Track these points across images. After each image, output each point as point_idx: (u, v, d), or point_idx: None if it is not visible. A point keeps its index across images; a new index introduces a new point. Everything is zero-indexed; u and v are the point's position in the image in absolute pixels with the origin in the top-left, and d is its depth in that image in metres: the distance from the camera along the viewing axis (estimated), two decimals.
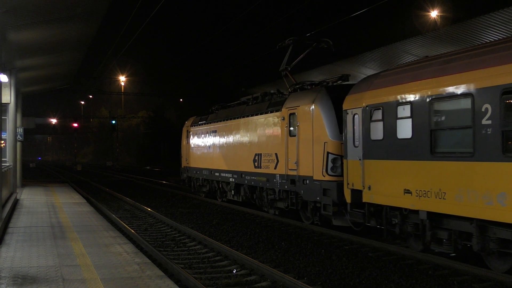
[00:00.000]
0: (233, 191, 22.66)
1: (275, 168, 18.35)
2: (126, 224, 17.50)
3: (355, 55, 39.62)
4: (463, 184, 10.33)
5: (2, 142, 23.59)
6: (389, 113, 12.53)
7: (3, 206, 17.65)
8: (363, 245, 13.62)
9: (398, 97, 12.25)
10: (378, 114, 12.98)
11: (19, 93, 30.60)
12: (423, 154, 11.37)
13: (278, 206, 18.74)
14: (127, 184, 40.87)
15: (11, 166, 24.61)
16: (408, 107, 11.92)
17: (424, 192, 11.30)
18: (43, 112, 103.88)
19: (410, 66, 12.94)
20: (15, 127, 27.55)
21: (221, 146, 23.88)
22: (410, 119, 11.84)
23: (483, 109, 9.87)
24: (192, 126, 28.59)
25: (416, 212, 11.66)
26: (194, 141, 28.05)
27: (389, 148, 12.54)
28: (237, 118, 22.12)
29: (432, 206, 11.08)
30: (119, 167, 79.96)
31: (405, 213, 12.14)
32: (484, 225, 10.14)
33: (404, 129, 12.05)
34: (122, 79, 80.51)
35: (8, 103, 24.23)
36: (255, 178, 19.98)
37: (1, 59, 16.62)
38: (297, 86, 18.64)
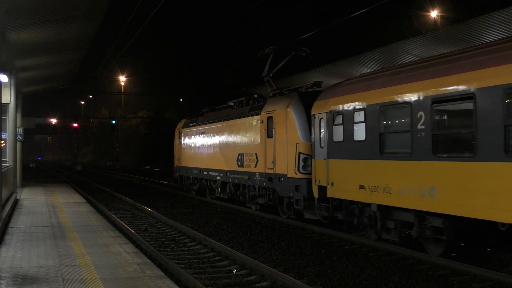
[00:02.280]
0: (219, 188, 24.36)
1: (255, 167, 19.96)
2: (126, 224, 17.50)
3: (355, 55, 39.62)
4: (404, 180, 11.95)
5: (2, 142, 23.59)
6: (348, 118, 14.19)
7: (3, 206, 17.65)
8: (363, 245, 13.62)
9: (355, 104, 13.88)
10: (339, 119, 14.59)
11: (19, 93, 30.60)
12: (374, 154, 12.98)
13: (258, 202, 20.37)
14: (127, 184, 40.87)
15: (11, 166, 24.62)
16: (362, 113, 13.56)
17: (375, 187, 12.88)
18: (43, 112, 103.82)
19: (366, 76, 14.62)
20: (15, 127, 27.56)
21: (209, 147, 25.51)
22: (364, 124, 13.45)
23: (418, 116, 11.46)
24: (183, 127, 30.27)
25: (369, 205, 13.24)
26: (185, 141, 29.68)
27: (348, 149, 14.18)
28: (223, 120, 23.74)
29: (381, 200, 12.67)
30: (119, 167, 79.94)
31: (361, 206, 13.76)
32: (421, 215, 11.71)
33: (359, 132, 13.67)
34: (122, 79, 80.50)
35: (8, 103, 24.22)
36: (239, 176, 21.60)
37: (1, 59, 16.61)
38: (276, 92, 20.07)
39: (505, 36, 23.60)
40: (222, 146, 23.82)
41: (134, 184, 41.46)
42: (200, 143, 26.91)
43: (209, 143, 25.58)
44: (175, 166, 32.01)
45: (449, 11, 32.05)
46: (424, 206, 11.34)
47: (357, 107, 13.72)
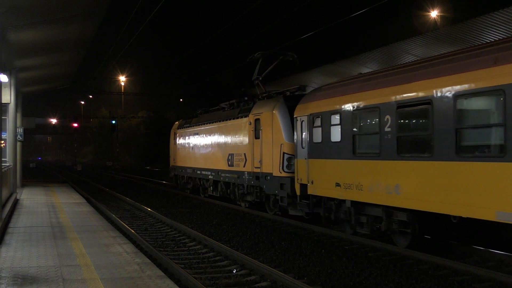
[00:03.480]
0: (211, 187, 25.57)
1: (244, 166, 21.09)
2: (126, 224, 17.50)
3: (355, 55, 39.62)
4: (373, 178, 13.00)
5: (2, 142, 23.58)
6: (326, 120, 15.23)
7: (3, 206, 17.64)
8: (363, 245, 13.62)
9: (332, 107, 14.91)
10: (318, 121, 15.60)
11: (19, 93, 30.59)
12: (348, 154, 14.07)
13: (247, 200, 21.49)
14: (127, 184, 40.88)
15: (11, 166, 24.61)
16: (338, 116, 14.60)
17: (349, 185, 13.95)
18: (43, 112, 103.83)
19: (342, 82, 15.75)
20: (15, 127, 27.54)
21: (202, 147, 26.71)
22: (340, 126, 14.49)
23: (385, 119, 12.52)
24: (178, 128, 31.54)
25: (344, 201, 14.33)
26: (180, 142, 30.93)
27: (326, 149, 15.25)
28: (215, 122, 24.89)
29: (354, 196, 13.73)
30: (119, 167, 79.93)
31: (337, 203, 14.84)
32: (389, 210, 12.72)
33: (336, 134, 14.71)
34: (122, 79, 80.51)
35: (8, 103, 24.21)
36: (229, 175, 22.75)
37: (1, 59, 16.61)
38: (264, 95, 21.22)
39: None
40: (214, 146, 24.90)
41: (134, 184, 41.47)
42: (194, 143, 28.12)
43: (202, 144, 26.74)
44: (170, 166, 33.31)
45: (449, 11, 32.07)
46: (390, 202, 12.38)
47: (334, 110, 14.78)
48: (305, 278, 10.40)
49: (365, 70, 38.68)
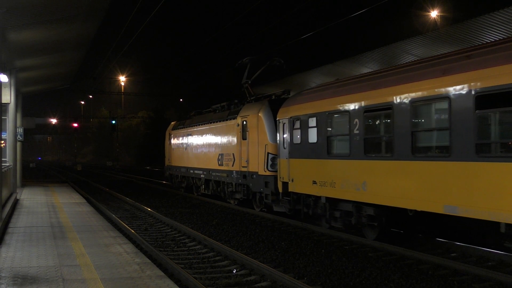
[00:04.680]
0: (203, 185, 26.80)
1: (232, 165, 22.29)
2: (126, 224, 17.50)
3: (355, 55, 39.62)
4: (344, 176, 14.18)
5: (2, 142, 23.58)
6: (304, 123, 16.34)
7: (3, 206, 17.65)
8: (363, 245, 13.63)
9: (310, 111, 16.04)
10: (298, 124, 16.75)
11: (19, 93, 30.59)
12: (323, 154, 15.25)
13: (236, 197, 22.64)
14: (127, 184, 40.88)
15: (11, 166, 24.61)
16: (314, 119, 15.74)
17: (324, 182, 15.10)
18: (43, 112, 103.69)
19: (320, 87, 17.05)
20: (15, 127, 27.54)
21: (195, 147, 28.03)
22: (316, 128, 15.63)
23: (354, 123, 13.70)
24: (173, 129, 32.90)
25: (320, 198, 15.47)
26: (174, 142, 32.28)
27: (304, 150, 16.37)
28: (207, 123, 26.20)
29: (329, 193, 14.90)
30: (119, 167, 79.92)
31: (314, 199, 15.98)
32: (358, 206, 13.87)
33: (312, 136, 15.84)
34: (122, 79, 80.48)
35: (8, 103, 24.20)
36: (219, 174, 23.97)
37: (1, 59, 16.61)
38: (252, 98, 22.54)
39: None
40: (205, 146, 26.19)
41: (134, 184, 41.47)
42: (187, 144, 29.45)
43: (194, 144, 28.08)
44: (166, 165, 34.79)
45: (449, 11, 32.07)
46: (359, 198, 13.58)
47: (311, 114, 15.96)
48: (305, 278, 10.41)
49: (365, 70, 38.70)
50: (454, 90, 10.58)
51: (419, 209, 11.71)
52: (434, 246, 13.30)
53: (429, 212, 11.54)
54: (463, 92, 10.38)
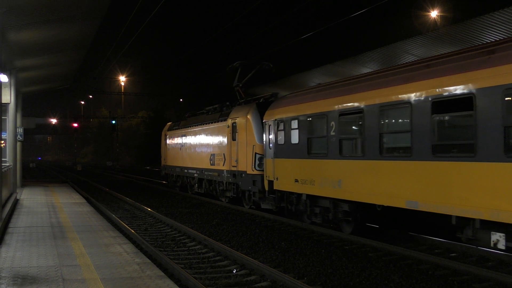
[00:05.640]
0: (197, 184, 27.93)
1: (223, 165, 23.35)
2: (126, 224, 17.49)
3: (355, 55, 39.61)
4: (323, 174, 15.18)
5: (2, 142, 23.58)
6: (287, 125, 17.37)
7: (3, 206, 17.65)
8: (363, 245, 13.63)
9: (292, 114, 17.05)
10: (282, 126, 17.77)
11: (19, 93, 30.58)
12: (304, 154, 16.25)
13: (226, 195, 23.68)
14: (127, 184, 40.88)
15: (11, 166, 24.61)
16: (296, 122, 16.78)
17: (304, 180, 16.10)
18: (43, 112, 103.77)
19: (302, 91, 18.17)
20: (15, 127, 27.54)
21: (189, 148, 29.10)
22: (297, 130, 16.65)
23: (331, 125, 14.76)
24: (168, 130, 34.09)
25: (301, 195, 16.48)
26: (170, 143, 33.43)
27: (287, 150, 17.40)
28: (200, 125, 27.25)
29: (309, 190, 15.91)
30: (119, 167, 79.91)
31: (296, 196, 16.99)
32: (335, 202, 14.91)
33: (295, 137, 16.88)
34: (122, 79, 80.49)
35: (8, 103, 24.19)
36: (211, 173, 25.07)
37: (1, 59, 16.60)
38: (242, 101, 23.74)
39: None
40: (199, 147, 27.25)
41: (134, 184, 41.47)
42: (182, 144, 30.58)
43: (188, 145, 29.20)
44: (162, 165, 36.05)
45: (449, 11, 32.06)
46: (335, 195, 14.59)
47: (294, 116, 16.94)
48: (305, 278, 10.41)
49: (365, 70, 38.71)
50: (415, 96, 11.70)
51: (385, 204, 12.73)
52: (433, 246, 13.31)
53: (394, 208, 12.53)
54: (422, 98, 11.49)
